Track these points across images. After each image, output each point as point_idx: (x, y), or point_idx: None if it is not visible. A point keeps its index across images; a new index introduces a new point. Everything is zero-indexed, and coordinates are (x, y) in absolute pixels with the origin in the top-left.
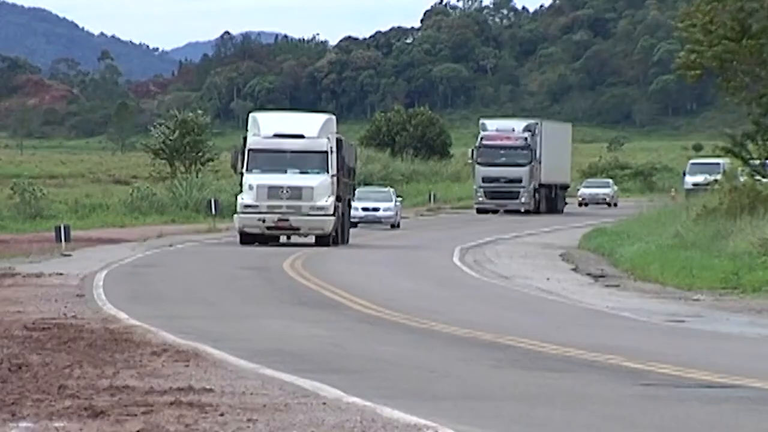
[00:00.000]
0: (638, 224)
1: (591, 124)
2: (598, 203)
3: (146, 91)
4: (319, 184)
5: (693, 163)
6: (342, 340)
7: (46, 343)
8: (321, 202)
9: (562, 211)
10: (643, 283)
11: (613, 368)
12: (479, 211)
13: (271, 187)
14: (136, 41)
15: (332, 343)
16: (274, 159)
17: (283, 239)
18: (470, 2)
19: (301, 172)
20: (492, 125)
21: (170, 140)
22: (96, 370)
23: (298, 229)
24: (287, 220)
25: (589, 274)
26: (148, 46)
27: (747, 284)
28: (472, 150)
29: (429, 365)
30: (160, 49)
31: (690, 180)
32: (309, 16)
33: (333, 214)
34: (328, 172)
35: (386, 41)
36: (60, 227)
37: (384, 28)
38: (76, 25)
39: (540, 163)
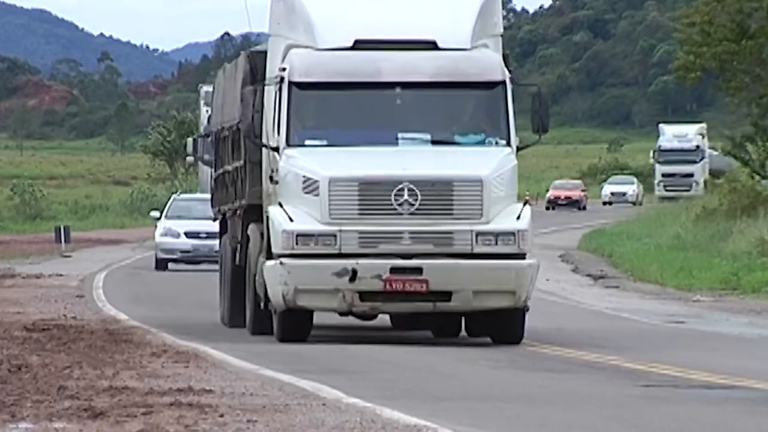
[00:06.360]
0: (638, 225)
1: (590, 124)
2: None
3: (146, 92)
4: (495, 171)
5: None
6: (342, 341)
7: (45, 344)
8: (508, 222)
9: None
10: (642, 283)
11: (613, 369)
12: None
13: (367, 183)
14: (136, 42)
15: (332, 343)
16: (362, 108)
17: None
18: None
19: (437, 142)
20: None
21: (168, 141)
22: (96, 371)
23: (447, 296)
24: (419, 270)
25: (588, 275)
26: (148, 47)
27: (746, 285)
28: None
29: (429, 365)
30: (160, 50)
31: None
32: None
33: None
34: (508, 140)
35: None
36: (60, 228)
37: None
38: (76, 26)
39: None
